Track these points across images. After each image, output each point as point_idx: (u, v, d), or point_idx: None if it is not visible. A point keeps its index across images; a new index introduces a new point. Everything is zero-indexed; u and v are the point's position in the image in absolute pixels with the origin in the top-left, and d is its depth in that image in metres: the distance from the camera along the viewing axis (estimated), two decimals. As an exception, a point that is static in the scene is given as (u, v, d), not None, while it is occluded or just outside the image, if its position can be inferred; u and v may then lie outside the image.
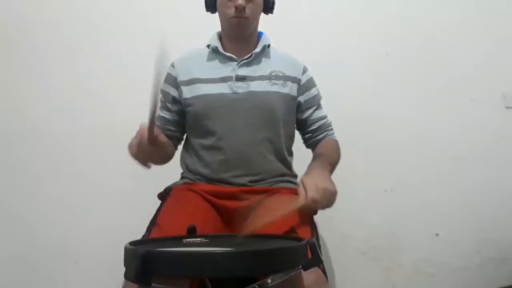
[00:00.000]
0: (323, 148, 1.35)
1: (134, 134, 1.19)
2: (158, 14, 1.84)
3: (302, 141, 1.44)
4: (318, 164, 1.22)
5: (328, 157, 1.28)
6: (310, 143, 1.41)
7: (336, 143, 1.39)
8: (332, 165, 1.26)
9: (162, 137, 1.16)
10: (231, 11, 1.26)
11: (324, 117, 1.40)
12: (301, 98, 1.37)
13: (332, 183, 1.12)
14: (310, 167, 1.23)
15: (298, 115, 1.39)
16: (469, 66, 1.90)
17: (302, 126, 1.41)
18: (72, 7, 1.83)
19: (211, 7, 1.33)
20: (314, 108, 1.39)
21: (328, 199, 1.07)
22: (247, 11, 1.26)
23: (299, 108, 1.38)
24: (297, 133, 1.42)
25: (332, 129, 1.41)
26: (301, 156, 1.36)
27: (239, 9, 1.24)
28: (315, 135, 1.39)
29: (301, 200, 1.05)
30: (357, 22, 1.90)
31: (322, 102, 1.42)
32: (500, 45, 1.92)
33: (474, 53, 1.91)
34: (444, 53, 1.91)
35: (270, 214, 0.98)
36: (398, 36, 1.90)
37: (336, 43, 1.86)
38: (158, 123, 1.38)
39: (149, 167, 1.16)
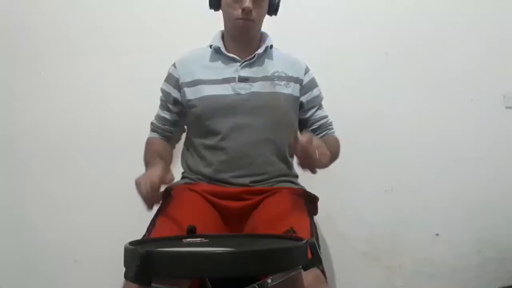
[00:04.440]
0: (324, 139, 1.35)
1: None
2: (159, 14, 1.84)
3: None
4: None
5: (327, 146, 1.28)
6: None
7: (336, 140, 1.39)
8: (331, 152, 1.25)
9: (171, 176, 1.14)
10: (238, 13, 1.25)
11: (325, 117, 1.41)
12: (303, 98, 1.37)
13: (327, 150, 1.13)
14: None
15: (300, 115, 1.39)
16: (469, 66, 1.90)
17: (303, 125, 1.41)
18: (72, 7, 1.83)
19: (215, 5, 1.32)
20: (316, 108, 1.39)
21: (321, 150, 1.08)
22: (253, 13, 1.25)
23: (301, 108, 1.38)
24: (296, 133, 1.43)
25: (332, 128, 1.42)
26: (301, 156, 1.36)
27: (246, 12, 1.24)
28: (316, 134, 1.39)
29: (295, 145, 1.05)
30: (357, 22, 1.89)
31: (322, 101, 1.42)
32: (500, 45, 1.92)
33: (474, 53, 1.90)
34: (444, 53, 1.90)
35: None
36: (398, 36, 1.89)
37: (336, 43, 1.85)
38: (159, 124, 1.39)
39: (151, 210, 1.14)
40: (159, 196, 1.13)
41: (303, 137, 1.04)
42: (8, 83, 1.79)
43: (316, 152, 1.06)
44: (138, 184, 1.12)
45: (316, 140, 1.08)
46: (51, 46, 1.81)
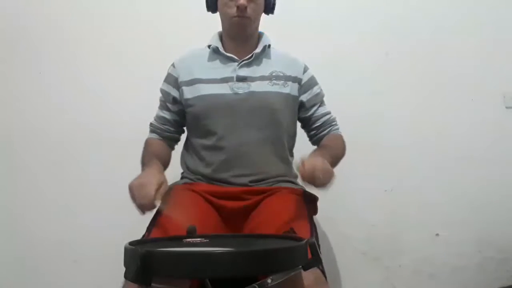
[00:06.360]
0: (327, 141, 1.36)
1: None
2: (158, 14, 1.84)
3: (302, 141, 1.43)
4: (319, 153, 1.22)
5: (330, 150, 1.28)
6: (315, 140, 1.41)
7: (340, 138, 1.39)
8: (333, 157, 1.25)
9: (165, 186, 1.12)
10: (233, 11, 1.26)
11: (327, 113, 1.41)
12: (304, 97, 1.37)
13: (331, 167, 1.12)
14: (310, 155, 1.21)
15: (302, 113, 1.39)
16: (469, 66, 1.90)
17: (306, 123, 1.41)
18: (72, 7, 1.83)
19: (212, 6, 1.34)
20: (318, 105, 1.39)
21: (325, 174, 1.08)
22: (249, 11, 1.26)
23: (303, 107, 1.38)
24: (298, 133, 1.42)
25: (336, 125, 1.42)
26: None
27: (241, 9, 1.25)
28: (320, 131, 1.40)
29: (300, 171, 1.06)
30: (357, 22, 1.89)
31: (323, 98, 1.42)
32: (500, 45, 1.92)
33: (474, 53, 1.90)
34: (444, 53, 1.90)
35: None
36: (398, 36, 1.89)
37: (336, 43, 1.85)
38: (158, 124, 1.39)
39: (144, 214, 1.11)
40: (153, 205, 1.08)
41: (307, 164, 1.05)
42: (8, 83, 1.79)
43: (321, 176, 1.07)
44: (132, 189, 1.08)
45: (319, 163, 1.07)
46: (50, 46, 1.81)
